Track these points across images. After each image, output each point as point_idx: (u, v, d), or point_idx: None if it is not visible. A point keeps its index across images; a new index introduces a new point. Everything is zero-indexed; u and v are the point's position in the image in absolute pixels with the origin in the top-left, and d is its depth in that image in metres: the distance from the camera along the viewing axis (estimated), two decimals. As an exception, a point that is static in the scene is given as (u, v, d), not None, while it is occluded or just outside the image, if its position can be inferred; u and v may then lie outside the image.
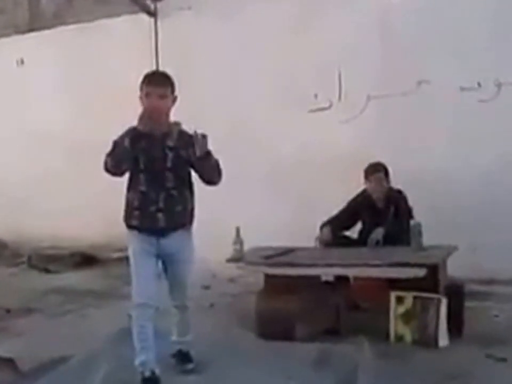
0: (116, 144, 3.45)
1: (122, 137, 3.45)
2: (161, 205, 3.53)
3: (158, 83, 3.53)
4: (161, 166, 3.54)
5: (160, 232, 3.58)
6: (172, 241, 3.61)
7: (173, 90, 3.58)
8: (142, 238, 3.59)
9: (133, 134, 3.42)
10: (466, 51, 6.28)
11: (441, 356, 4.20)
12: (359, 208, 5.64)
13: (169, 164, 3.55)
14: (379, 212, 5.52)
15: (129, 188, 3.60)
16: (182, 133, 3.59)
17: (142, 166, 3.52)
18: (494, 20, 6.22)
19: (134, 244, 3.62)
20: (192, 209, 3.71)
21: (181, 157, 3.56)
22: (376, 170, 5.55)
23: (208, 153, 3.46)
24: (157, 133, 3.52)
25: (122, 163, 3.46)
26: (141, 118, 3.40)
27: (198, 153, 3.40)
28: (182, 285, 3.81)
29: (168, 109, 3.57)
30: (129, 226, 3.62)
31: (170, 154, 3.54)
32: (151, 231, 3.57)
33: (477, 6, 6.29)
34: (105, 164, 3.46)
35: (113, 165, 3.45)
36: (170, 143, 3.54)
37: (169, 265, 3.72)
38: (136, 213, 3.57)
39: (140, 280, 3.56)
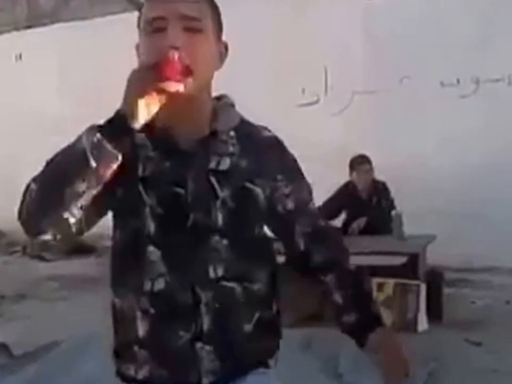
0: (60, 154, 1.35)
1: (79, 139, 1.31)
2: (205, 323, 1.44)
3: None
4: (201, 226, 1.44)
5: None
6: None
7: (218, 24, 1.46)
8: None
9: (117, 132, 1.29)
10: (446, 48, 6.47)
11: (421, 340, 4.36)
12: (343, 199, 5.78)
13: (219, 220, 1.44)
14: (363, 203, 5.68)
15: (116, 283, 1.52)
16: (252, 135, 1.55)
17: (151, 226, 1.43)
18: (473, 19, 6.40)
19: None
20: (277, 320, 1.64)
21: (252, 201, 1.48)
22: (362, 162, 5.72)
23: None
24: (183, 136, 1.44)
25: (66, 200, 1.30)
26: (127, 96, 1.30)
27: None
28: None
29: (210, 68, 1.46)
30: (128, 379, 1.51)
31: (222, 193, 1.45)
32: None
33: (456, 5, 6.48)
34: (22, 202, 1.35)
35: (39, 203, 1.32)
36: (221, 163, 1.46)
37: None
38: (143, 352, 1.47)
39: None
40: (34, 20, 9.38)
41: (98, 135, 1.27)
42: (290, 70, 7.31)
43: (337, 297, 1.55)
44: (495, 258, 5.82)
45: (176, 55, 1.30)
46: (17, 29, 9.52)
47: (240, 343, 1.48)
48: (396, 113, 6.75)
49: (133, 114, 1.29)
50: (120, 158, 1.30)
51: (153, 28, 1.39)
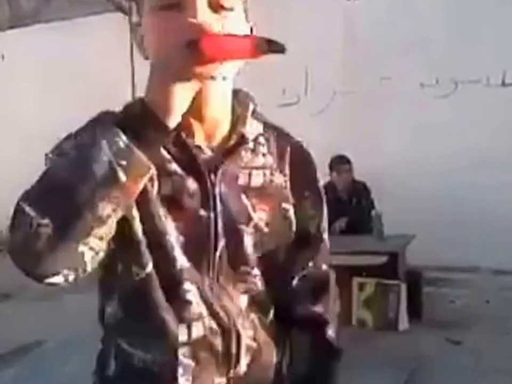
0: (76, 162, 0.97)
1: (95, 145, 0.95)
2: (243, 365, 1.18)
3: None
4: (230, 255, 1.15)
5: None
6: None
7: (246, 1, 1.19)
8: None
9: (147, 132, 0.96)
10: (425, 50, 6.51)
11: (402, 339, 4.41)
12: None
13: (249, 247, 1.17)
14: (343, 203, 5.70)
15: (130, 332, 1.16)
16: (281, 141, 1.28)
17: (182, 258, 1.11)
18: (451, 21, 6.45)
19: None
20: None
21: (287, 224, 1.22)
22: (341, 162, 5.77)
23: None
24: (206, 143, 1.14)
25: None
26: (159, 83, 0.96)
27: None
28: None
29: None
30: None
31: (255, 216, 1.17)
32: None
33: (435, 7, 6.52)
34: (15, 234, 0.97)
35: (48, 236, 0.93)
36: (253, 178, 1.18)
37: None
38: None
39: None
40: (16, 21, 9.31)
41: (124, 138, 0.94)
42: (271, 70, 7.31)
43: (302, 366, 1.28)
44: (474, 258, 5.87)
45: (218, 29, 0.98)
46: (0, 29, 9.47)
47: (274, 382, 1.25)
48: (375, 114, 6.77)
49: (169, 108, 0.96)
50: (153, 168, 0.98)
51: (169, 2, 1.01)
